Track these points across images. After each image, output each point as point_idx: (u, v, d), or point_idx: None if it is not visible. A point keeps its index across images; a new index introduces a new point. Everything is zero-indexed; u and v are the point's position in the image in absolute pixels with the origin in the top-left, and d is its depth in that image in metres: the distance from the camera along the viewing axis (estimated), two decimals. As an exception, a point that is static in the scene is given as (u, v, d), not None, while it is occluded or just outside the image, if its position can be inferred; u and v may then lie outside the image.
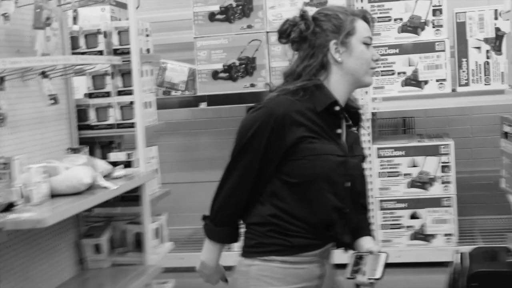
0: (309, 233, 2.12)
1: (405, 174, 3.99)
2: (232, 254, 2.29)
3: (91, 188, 2.81)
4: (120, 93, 3.45)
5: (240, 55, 4.09)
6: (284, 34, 2.19)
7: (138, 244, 3.39)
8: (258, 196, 2.14)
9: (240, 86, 4.10)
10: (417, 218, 3.98)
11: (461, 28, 3.98)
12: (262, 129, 2.08)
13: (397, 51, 4.01)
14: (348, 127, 2.22)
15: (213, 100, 4.14)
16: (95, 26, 3.41)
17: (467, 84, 3.99)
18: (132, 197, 3.33)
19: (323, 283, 2.21)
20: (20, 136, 2.88)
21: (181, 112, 4.72)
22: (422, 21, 3.99)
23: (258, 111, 2.12)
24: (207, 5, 4.12)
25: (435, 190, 3.97)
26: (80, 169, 2.80)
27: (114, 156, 3.35)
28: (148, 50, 3.57)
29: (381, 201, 4.01)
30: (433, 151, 3.96)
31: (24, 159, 2.64)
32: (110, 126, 3.45)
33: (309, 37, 2.15)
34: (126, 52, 3.38)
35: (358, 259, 2.18)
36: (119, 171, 3.14)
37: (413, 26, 4.01)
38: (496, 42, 3.94)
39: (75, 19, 3.48)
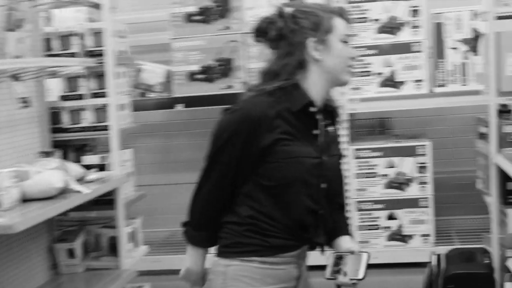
0: (286, 234, 2.11)
1: (382, 175, 3.98)
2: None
3: (63, 192, 2.78)
4: (94, 95, 3.41)
5: (217, 56, 4.06)
6: (261, 32, 2.16)
7: (113, 248, 3.35)
8: (235, 197, 2.12)
9: (217, 88, 4.07)
10: (394, 219, 3.98)
11: (438, 29, 3.98)
12: (238, 132, 2.06)
13: (374, 52, 4.00)
14: (326, 126, 2.20)
15: (190, 101, 4.11)
16: (70, 28, 3.38)
17: (444, 85, 4.00)
18: (106, 201, 3.29)
19: (299, 284, 2.20)
20: (-10, 140, 2.84)
21: (157, 114, 4.69)
22: (400, 22, 3.99)
23: (234, 113, 2.10)
24: (184, 6, 4.08)
25: (412, 191, 3.96)
26: (51, 173, 2.76)
27: (88, 159, 3.33)
28: (123, 52, 3.53)
29: (358, 202, 4.01)
30: (409, 152, 3.96)
31: (-6, 164, 2.60)
32: (84, 129, 3.40)
33: (287, 35, 2.12)
34: (101, 54, 3.34)
35: (338, 259, 2.15)
36: (93, 175, 3.12)
37: (391, 27, 4.00)
38: (473, 43, 3.95)
39: (49, 20, 3.44)
